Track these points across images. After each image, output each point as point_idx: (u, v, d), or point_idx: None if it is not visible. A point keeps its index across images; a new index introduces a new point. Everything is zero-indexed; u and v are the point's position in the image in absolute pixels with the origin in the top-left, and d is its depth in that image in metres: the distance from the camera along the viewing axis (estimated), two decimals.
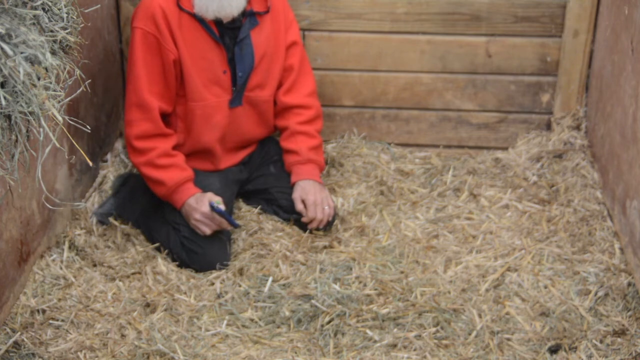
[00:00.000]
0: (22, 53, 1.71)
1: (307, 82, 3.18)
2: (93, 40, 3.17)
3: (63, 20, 1.91)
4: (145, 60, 2.87)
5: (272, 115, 3.18)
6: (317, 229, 3.07)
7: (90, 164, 2.48)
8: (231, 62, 2.96)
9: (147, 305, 2.71)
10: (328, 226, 3.09)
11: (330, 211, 3.04)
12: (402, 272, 2.87)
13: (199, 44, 2.90)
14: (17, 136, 1.77)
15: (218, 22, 2.90)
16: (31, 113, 1.73)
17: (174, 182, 2.90)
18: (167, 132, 2.95)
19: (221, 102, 2.99)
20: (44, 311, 2.64)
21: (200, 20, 2.88)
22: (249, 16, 2.95)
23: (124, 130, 2.97)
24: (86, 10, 2.26)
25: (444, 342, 2.57)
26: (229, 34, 2.94)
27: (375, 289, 2.77)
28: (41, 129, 1.77)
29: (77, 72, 1.99)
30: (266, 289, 2.79)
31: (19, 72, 1.69)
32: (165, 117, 2.98)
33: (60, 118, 1.77)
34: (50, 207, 2.81)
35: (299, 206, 3.03)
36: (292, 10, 3.17)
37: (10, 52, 1.69)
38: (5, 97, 1.68)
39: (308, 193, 3.03)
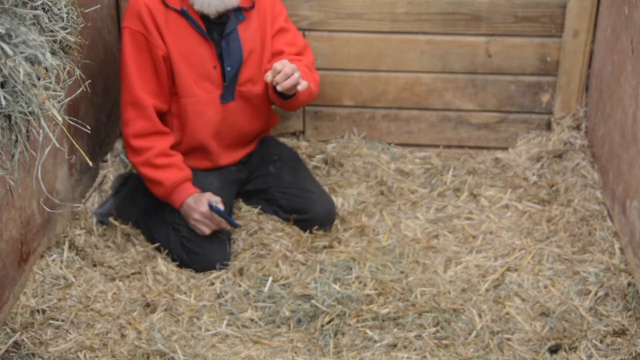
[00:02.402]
0: (22, 53, 1.71)
1: (305, 55, 3.14)
2: (93, 40, 3.17)
3: (63, 20, 1.91)
4: (136, 59, 2.88)
5: (267, 108, 3.17)
6: (317, 229, 3.08)
7: (90, 164, 2.48)
8: (220, 57, 2.97)
9: (147, 305, 2.71)
10: (328, 225, 3.09)
11: (292, 76, 2.81)
12: (402, 272, 2.87)
13: (186, 39, 2.91)
14: (17, 136, 1.77)
15: (204, 17, 2.91)
16: (31, 113, 1.73)
17: (172, 182, 2.90)
18: (164, 130, 2.95)
19: (212, 98, 2.99)
20: (44, 311, 2.64)
21: (186, 16, 2.89)
22: (234, 11, 2.95)
23: (122, 130, 2.98)
24: (86, 10, 2.26)
25: (444, 342, 2.57)
26: (216, 29, 2.94)
27: (375, 289, 2.77)
28: (41, 129, 1.77)
29: (77, 72, 1.99)
30: (266, 289, 2.79)
31: (19, 72, 1.69)
32: (162, 117, 2.98)
33: (60, 118, 1.77)
34: (49, 209, 2.81)
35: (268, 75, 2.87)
36: (285, 8, 3.16)
37: (10, 52, 1.69)
38: (5, 97, 1.68)
39: (283, 63, 2.85)
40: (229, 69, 2.97)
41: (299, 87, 2.83)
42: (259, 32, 3.03)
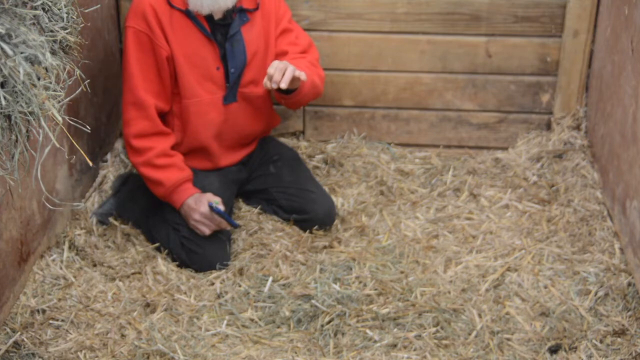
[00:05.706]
0: (22, 53, 1.71)
1: (310, 52, 3.13)
2: (93, 40, 3.17)
3: (63, 20, 1.91)
4: (139, 59, 2.88)
5: (268, 109, 3.17)
6: (317, 229, 3.08)
7: (90, 164, 2.48)
8: (224, 59, 2.96)
9: (147, 305, 2.71)
10: (328, 225, 3.09)
11: (289, 73, 2.77)
12: (402, 272, 2.87)
13: (190, 40, 2.90)
14: (17, 136, 1.77)
15: (209, 18, 2.91)
16: (31, 113, 1.73)
17: (172, 182, 2.90)
18: (165, 131, 2.95)
19: (215, 99, 2.99)
20: (44, 311, 2.64)
21: (191, 17, 2.89)
22: (239, 12, 2.95)
23: (123, 130, 2.98)
24: (86, 10, 2.26)
25: (444, 342, 2.57)
26: (220, 31, 2.94)
27: (375, 289, 2.77)
28: (41, 129, 1.77)
29: (77, 72, 1.99)
30: (266, 289, 2.79)
31: (19, 72, 1.69)
32: (163, 117, 2.98)
33: (60, 118, 1.77)
34: (51, 207, 2.81)
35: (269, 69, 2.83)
36: (289, 9, 3.16)
37: (10, 52, 1.69)
38: (5, 97, 1.68)
39: (272, 65, 2.81)
40: (232, 70, 2.97)
41: (301, 77, 2.82)
42: (263, 33, 3.03)
